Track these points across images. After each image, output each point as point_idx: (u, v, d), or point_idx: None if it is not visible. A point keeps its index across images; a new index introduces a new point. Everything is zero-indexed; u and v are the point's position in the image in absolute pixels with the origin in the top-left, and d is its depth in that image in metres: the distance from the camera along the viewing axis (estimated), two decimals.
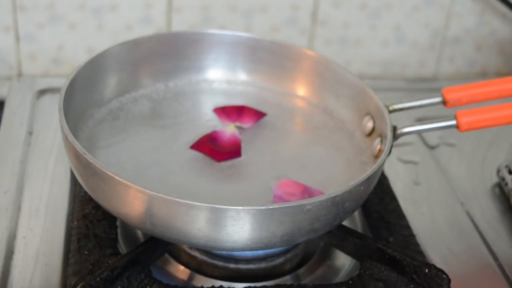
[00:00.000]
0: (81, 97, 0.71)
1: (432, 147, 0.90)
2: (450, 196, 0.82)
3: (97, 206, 0.69)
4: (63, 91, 0.67)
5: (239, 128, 0.75)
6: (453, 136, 0.91)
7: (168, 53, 0.80)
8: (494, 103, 0.69)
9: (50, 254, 0.69)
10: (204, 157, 0.71)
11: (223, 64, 0.82)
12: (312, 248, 0.72)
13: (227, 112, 0.77)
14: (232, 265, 0.67)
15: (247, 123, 0.76)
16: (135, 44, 0.78)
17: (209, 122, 0.77)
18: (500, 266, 0.73)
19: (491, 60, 1.07)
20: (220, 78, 0.82)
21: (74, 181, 0.76)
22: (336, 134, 0.77)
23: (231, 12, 0.97)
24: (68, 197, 0.76)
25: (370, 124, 0.73)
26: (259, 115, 0.77)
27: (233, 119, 0.76)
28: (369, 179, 0.62)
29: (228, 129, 0.74)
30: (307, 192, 0.66)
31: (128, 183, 0.58)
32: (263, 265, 0.68)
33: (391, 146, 0.67)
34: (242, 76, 0.83)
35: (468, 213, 0.80)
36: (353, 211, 0.65)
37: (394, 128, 0.69)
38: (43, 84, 0.94)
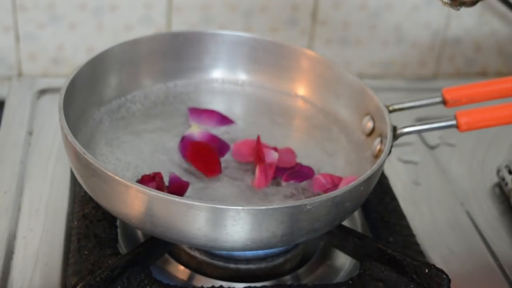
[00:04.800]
0: (81, 97, 0.71)
1: (432, 147, 0.90)
2: (450, 196, 0.82)
3: (97, 206, 0.69)
4: (63, 91, 0.67)
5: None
6: (453, 136, 0.91)
7: (168, 53, 0.80)
8: (494, 103, 0.69)
9: (50, 254, 0.69)
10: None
11: (223, 64, 0.82)
12: (312, 248, 0.72)
13: (199, 113, 0.77)
14: (232, 265, 0.67)
15: (208, 125, 0.76)
16: (135, 44, 0.78)
17: None
18: (500, 266, 0.73)
19: (491, 60, 1.07)
20: (220, 78, 0.83)
21: (74, 181, 0.76)
22: (336, 134, 0.77)
23: (231, 12, 0.97)
24: (68, 197, 0.76)
25: (370, 124, 0.73)
26: (226, 121, 0.77)
27: (199, 120, 0.76)
28: (369, 179, 0.62)
29: (194, 130, 0.74)
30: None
31: (128, 183, 0.58)
32: (263, 265, 0.68)
33: (391, 146, 0.67)
34: (242, 76, 0.83)
35: (468, 213, 0.80)
36: (353, 211, 0.65)
37: (394, 128, 0.69)
38: (43, 84, 0.94)
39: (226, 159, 0.72)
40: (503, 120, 0.68)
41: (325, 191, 0.68)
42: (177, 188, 0.66)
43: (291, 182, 0.69)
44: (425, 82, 1.06)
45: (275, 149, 0.70)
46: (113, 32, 0.95)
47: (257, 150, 0.69)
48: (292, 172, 0.70)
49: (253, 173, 0.70)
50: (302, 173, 0.70)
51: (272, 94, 0.82)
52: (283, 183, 0.69)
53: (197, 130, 0.74)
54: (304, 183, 0.69)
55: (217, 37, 0.81)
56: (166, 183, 0.66)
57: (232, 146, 0.73)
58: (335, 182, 0.68)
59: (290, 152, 0.73)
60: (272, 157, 0.69)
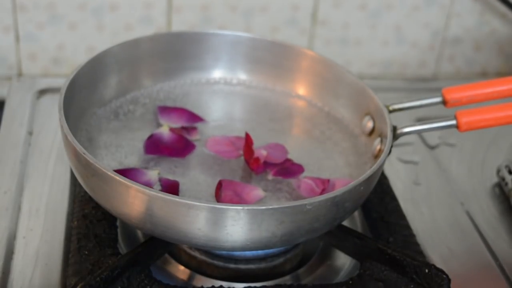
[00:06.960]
0: (81, 97, 0.72)
1: (432, 147, 0.90)
2: (450, 196, 0.82)
3: (97, 206, 0.69)
4: (63, 91, 0.67)
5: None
6: (453, 136, 0.91)
7: (168, 53, 0.80)
8: (494, 103, 0.69)
9: (50, 254, 0.69)
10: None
11: (223, 64, 0.82)
12: (312, 248, 0.72)
13: (168, 111, 0.77)
14: (232, 265, 0.67)
15: (178, 124, 0.75)
16: (135, 44, 0.78)
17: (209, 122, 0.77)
18: (500, 266, 0.73)
19: (491, 60, 1.07)
20: (220, 78, 0.83)
21: (74, 181, 0.76)
22: (336, 134, 0.77)
23: (231, 12, 0.97)
24: (68, 197, 0.76)
25: (370, 124, 0.73)
26: (196, 119, 0.77)
27: (171, 119, 0.76)
28: (369, 179, 0.62)
29: (164, 130, 0.73)
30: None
31: (128, 183, 0.58)
32: (263, 265, 0.68)
33: (391, 146, 0.67)
34: (242, 76, 0.83)
35: (468, 213, 0.80)
36: (353, 211, 0.65)
37: (394, 128, 0.69)
38: (43, 84, 0.94)
39: (234, 164, 0.72)
40: (503, 120, 0.68)
41: (321, 194, 0.67)
42: (170, 188, 0.66)
43: (279, 177, 0.69)
44: (425, 82, 1.06)
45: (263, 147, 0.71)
46: (113, 32, 0.95)
47: (246, 148, 0.70)
48: (282, 168, 0.70)
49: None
50: (290, 170, 0.70)
51: (272, 94, 0.82)
52: (270, 177, 0.69)
53: (166, 129, 0.74)
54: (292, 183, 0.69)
55: (217, 37, 0.81)
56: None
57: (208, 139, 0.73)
58: (325, 185, 0.68)
59: (281, 148, 0.73)
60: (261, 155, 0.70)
